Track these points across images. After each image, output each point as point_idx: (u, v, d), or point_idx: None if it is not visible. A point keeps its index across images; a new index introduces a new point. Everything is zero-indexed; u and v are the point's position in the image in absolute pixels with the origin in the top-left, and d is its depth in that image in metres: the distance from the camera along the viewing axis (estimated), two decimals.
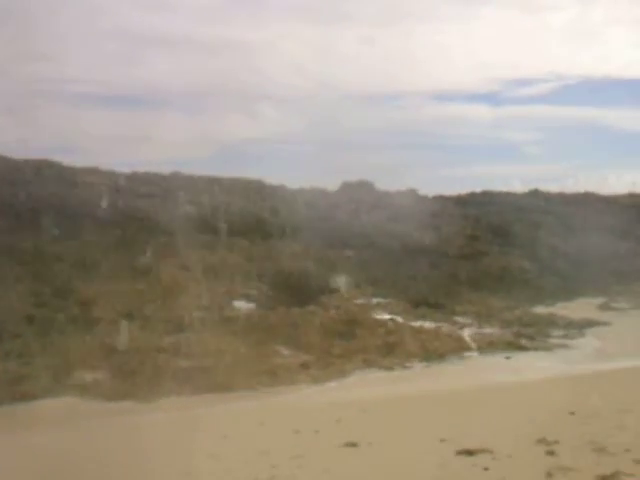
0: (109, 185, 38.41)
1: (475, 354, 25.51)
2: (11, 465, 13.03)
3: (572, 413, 16.00)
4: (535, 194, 53.93)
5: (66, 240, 31.72)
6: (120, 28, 78.64)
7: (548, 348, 26.45)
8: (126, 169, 42.50)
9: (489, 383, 20.66)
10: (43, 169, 38.08)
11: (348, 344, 24.96)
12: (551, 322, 30.88)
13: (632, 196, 53.69)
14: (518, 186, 57.52)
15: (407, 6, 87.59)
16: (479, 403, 17.82)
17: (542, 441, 13.61)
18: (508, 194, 53.21)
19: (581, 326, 30.11)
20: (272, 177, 47.04)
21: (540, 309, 34.15)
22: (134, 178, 41.29)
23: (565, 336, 28.44)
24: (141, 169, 43.07)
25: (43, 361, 20.97)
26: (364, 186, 48.71)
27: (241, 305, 29.45)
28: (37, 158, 39.35)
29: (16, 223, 32.18)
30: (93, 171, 39.77)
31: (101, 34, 78.96)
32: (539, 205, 49.97)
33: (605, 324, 30.72)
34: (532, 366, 23.40)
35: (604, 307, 35.23)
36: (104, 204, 35.71)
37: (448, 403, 18.03)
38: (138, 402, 18.53)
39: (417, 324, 28.90)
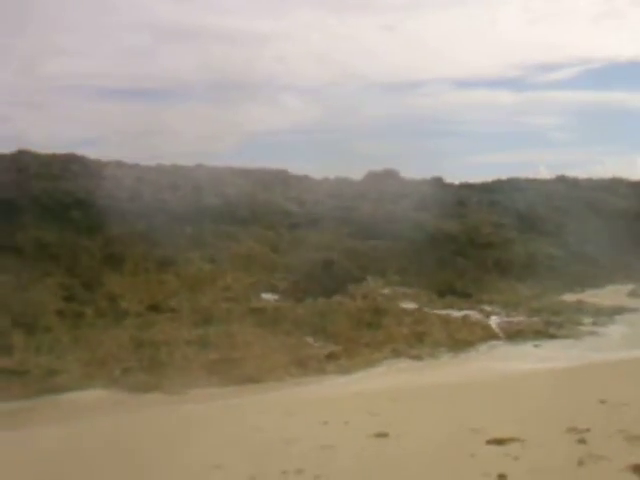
0: (135, 178, 38.65)
1: (503, 343, 25.33)
2: (45, 456, 13.18)
3: (602, 401, 15.80)
4: (562, 180, 53.49)
5: (93, 233, 31.98)
6: (142, 21, 79.22)
7: (577, 336, 26.21)
8: (151, 162, 42.77)
9: (518, 372, 20.51)
10: (69, 163, 38.41)
11: (376, 334, 24.92)
12: (580, 309, 30.62)
13: None
14: (544, 172, 57.09)
15: None
16: (508, 392, 17.70)
17: (572, 429, 13.47)
18: (534, 180, 52.85)
19: (610, 313, 29.81)
20: (296, 167, 47.19)
21: (568, 296, 33.87)
22: (159, 170, 41.52)
23: (594, 323, 28.17)
24: (166, 161, 43.33)
25: (73, 354, 21.19)
26: (389, 175, 48.61)
27: (268, 296, 29.52)
28: (63, 153, 39.74)
29: (44, 217, 32.55)
30: (118, 164, 40.04)
31: (123, 28, 79.54)
32: (566, 191, 49.54)
33: (635, 311, 30.36)
34: (561, 354, 23.16)
35: (634, 294, 34.81)
36: (130, 197, 35.94)
37: (477, 392, 17.92)
38: (167, 394, 18.63)
39: (444, 313, 28.79)
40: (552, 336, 25.99)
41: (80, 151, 40.40)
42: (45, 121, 70.49)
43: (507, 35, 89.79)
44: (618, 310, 30.31)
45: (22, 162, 37.18)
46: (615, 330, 27.23)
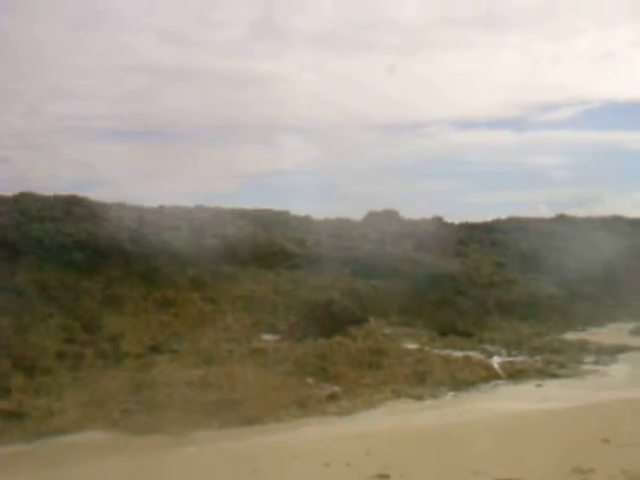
0: (136, 219, 38.79)
1: (505, 382, 25.17)
2: None
3: (606, 441, 15.74)
4: (562, 219, 53.65)
5: (94, 274, 32.03)
6: (143, 63, 79.99)
7: (580, 375, 26.07)
8: (152, 203, 42.96)
9: (520, 412, 20.36)
10: (71, 205, 38.56)
11: (377, 374, 24.78)
12: (582, 348, 30.48)
13: None
14: (544, 211, 57.30)
15: (429, 34, 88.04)
16: (511, 432, 17.59)
17: (576, 470, 13.41)
18: (534, 220, 53.00)
19: (613, 352, 29.68)
20: (297, 208, 47.34)
21: (570, 335, 33.77)
22: (160, 212, 41.68)
23: (597, 362, 28.04)
24: (167, 202, 43.50)
25: (73, 396, 21.05)
26: (389, 215, 48.75)
27: (269, 337, 29.44)
28: (65, 194, 39.91)
29: (45, 259, 32.64)
30: (120, 206, 40.20)
31: (124, 70, 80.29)
32: (566, 230, 49.62)
33: (637, 349, 30.23)
34: (563, 394, 23.00)
35: (636, 332, 34.68)
36: (131, 238, 36.03)
37: (479, 433, 17.83)
38: (167, 436, 18.45)
39: (445, 353, 28.66)
40: (554, 375, 25.83)
41: (82, 193, 40.52)
42: (47, 163, 70.96)
43: (507, 76, 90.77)
44: (620, 349, 30.18)
45: (23, 204, 37.33)
46: (617, 369, 27.10)
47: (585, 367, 27.32)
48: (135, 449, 17.54)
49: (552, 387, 24.28)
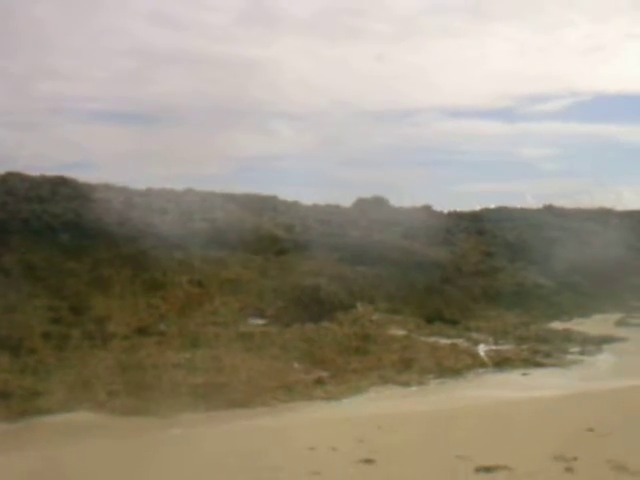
0: (123, 201, 38.60)
1: (491, 370, 25.29)
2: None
3: (590, 430, 15.81)
4: (550, 210, 53.79)
5: (81, 256, 31.88)
6: (133, 46, 79.50)
7: (565, 364, 26.21)
8: (141, 185, 42.69)
9: (506, 400, 20.46)
10: (58, 186, 38.29)
11: (363, 360, 24.87)
12: (567, 338, 30.63)
13: None
14: (532, 202, 57.41)
15: (420, 22, 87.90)
16: (496, 420, 17.66)
17: (560, 458, 13.44)
18: (523, 210, 53.10)
19: (598, 342, 29.83)
20: (286, 193, 47.19)
21: (556, 325, 33.95)
22: (148, 194, 41.46)
23: (582, 352, 28.20)
24: (155, 185, 43.25)
25: (58, 377, 21.02)
26: (378, 202, 48.73)
27: (256, 321, 29.44)
28: (52, 175, 39.61)
29: (32, 239, 32.44)
30: (107, 187, 39.97)
31: (114, 52, 79.74)
32: (554, 221, 49.79)
33: (622, 340, 30.44)
34: (549, 383, 23.15)
35: (621, 323, 34.96)
36: (118, 220, 35.85)
37: (464, 420, 17.86)
38: (154, 418, 18.45)
39: (432, 340, 28.77)
40: (540, 364, 25.97)
41: (69, 174, 40.22)
42: (35, 143, 70.44)
43: (498, 66, 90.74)
44: (606, 339, 30.34)
45: (10, 184, 37.05)
46: (603, 359, 27.27)
47: (570, 357, 27.48)
48: (121, 431, 17.53)
49: (538, 376, 24.43)
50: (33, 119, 75.67)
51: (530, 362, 26.22)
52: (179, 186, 44.21)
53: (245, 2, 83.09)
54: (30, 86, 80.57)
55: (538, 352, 27.62)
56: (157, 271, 32.08)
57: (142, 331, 26.22)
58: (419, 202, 51.36)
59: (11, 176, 38.08)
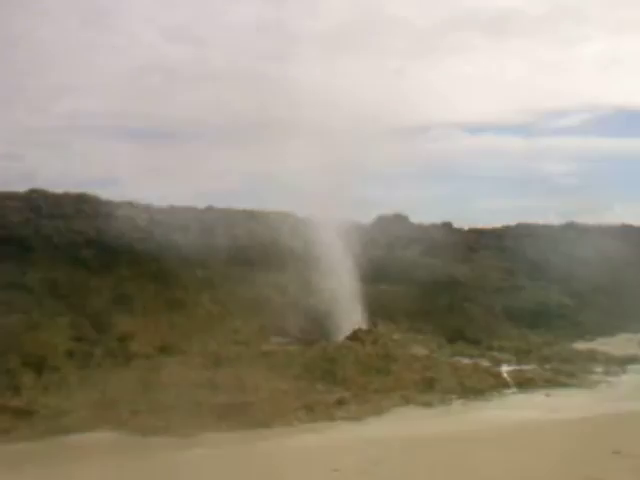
0: (146, 219, 38.76)
1: (514, 391, 25.08)
2: None
3: (617, 452, 15.63)
4: (572, 226, 53.36)
5: (104, 273, 32.01)
6: (155, 62, 79.87)
7: (589, 385, 25.96)
8: (163, 203, 42.87)
9: (530, 421, 20.28)
10: (82, 203, 38.54)
11: (385, 380, 24.73)
12: (591, 358, 30.32)
13: None
14: (553, 218, 56.97)
15: (438, 38, 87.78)
16: (521, 442, 17.51)
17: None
18: (544, 227, 52.71)
19: (622, 362, 29.52)
20: (306, 210, 47.05)
21: (580, 344, 33.65)
22: (170, 212, 41.61)
23: (606, 373, 27.91)
24: (177, 203, 43.39)
25: (81, 395, 21.10)
26: (398, 219, 48.57)
27: (277, 340, 29.39)
28: (75, 192, 39.85)
29: (55, 256, 32.64)
30: (130, 205, 40.17)
31: (137, 69, 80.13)
32: (576, 238, 49.36)
33: None
34: (573, 404, 22.89)
35: None
36: (141, 238, 35.97)
37: (487, 442, 17.74)
38: (175, 437, 18.46)
39: (454, 359, 28.60)
40: (563, 385, 25.72)
41: (93, 190, 40.47)
42: (58, 160, 70.91)
43: (516, 81, 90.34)
44: (630, 359, 30.02)
45: (34, 201, 37.34)
46: (627, 380, 26.98)
47: (594, 377, 27.21)
48: (143, 450, 17.56)
49: (561, 397, 24.19)
50: (55, 137, 76.25)
51: (553, 382, 25.98)
52: (201, 203, 44.37)
53: (264, 17, 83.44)
54: (52, 104, 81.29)
55: (561, 372, 27.36)
56: (179, 289, 32.13)
57: (164, 350, 26.24)
58: (439, 219, 51.20)
59: (35, 193, 38.38)
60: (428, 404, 22.76)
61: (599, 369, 28.47)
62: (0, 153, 64.43)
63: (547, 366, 28.52)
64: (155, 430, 19.06)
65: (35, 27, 74.79)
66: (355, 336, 29.75)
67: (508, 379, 26.33)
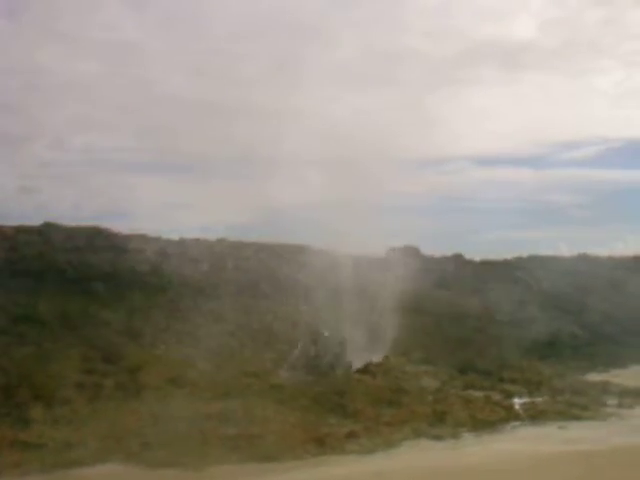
0: (157, 251, 38.97)
1: (526, 423, 24.85)
2: None
3: None
4: (584, 258, 53.30)
5: (115, 305, 32.17)
6: (167, 96, 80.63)
7: (602, 417, 25.71)
8: (174, 235, 43.10)
9: (542, 454, 20.07)
10: (94, 236, 38.83)
11: (396, 412, 24.58)
12: (604, 390, 30.07)
13: None
14: (565, 250, 56.96)
15: (451, 71, 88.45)
16: (533, 474, 17.38)
17: None
18: (555, 258, 52.71)
19: (636, 394, 29.24)
20: (318, 242, 47.16)
21: (592, 376, 33.39)
22: (181, 244, 41.83)
23: (620, 405, 27.65)
24: (188, 235, 43.62)
25: (91, 428, 21.08)
26: (410, 251, 48.59)
27: (287, 372, 29.30)
28: (88, 225, 40.20)
29: (67, 289, 32.84)
30: (142, 238, 40.42)
31: (149, 103, 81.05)
32: (588, 269, 49.27)
33: None
34: (586, 436, 22.65)
35: None
36: (152, 270, 36.19)
37: (501, 474, 17.60)
38: (186, 470, 18.40)
39: (465, 392, 28.40)
40: (576, 417, 25.48)
41: (106, 222, 40.84)
42: (71, 193, 71.57)
43: (528, 113, 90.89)
44: None
45: (47, 235, 37.66)
46: None
47: (608, 409, 26.94)
48: None
49: (574, 429, 23.94)
50: (69, 170, 76.98)
51: (566, 415, 25.75)
52: (212, 235, 44.56)
53: (276, 51, 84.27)
54: (66, 138, 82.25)
55: (574, 405, 27.11)
56: (189, 321, 32.18)
57: (174, 381, 26.17)
58: (450, 251, 51.24)
59: (48, 227, 38.72)
60: (439, 437, 22.58)
61: (612, 401, 28.21)
62: (16, 186, 65.23)
63: (559, 398, 28.28)
64: (165, 463, 19.00)
65: (53, 61, 76.01)
66: (366, 368, 29.64)
67: (520, 411, 26.13)
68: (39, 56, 75.69)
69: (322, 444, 20.91)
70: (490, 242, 72.98)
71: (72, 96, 78.16)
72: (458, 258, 50.21)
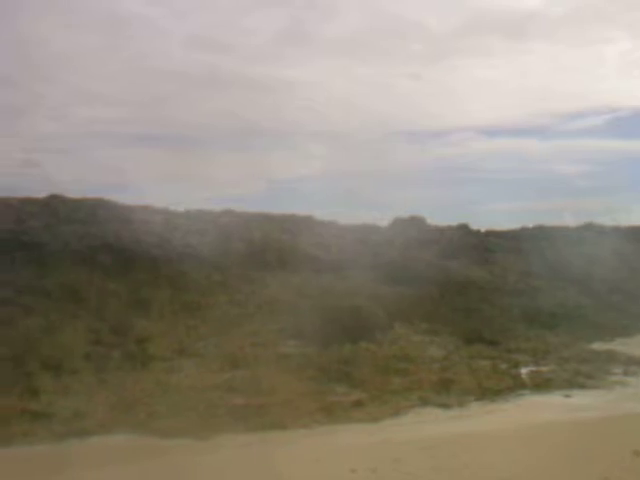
0: (162, 223, 39.00)
1: (532, 392, 24.91)
2: None
3: (636, 452, 15.51)
4: (589, 227, 53.19)
5: (121, 277, 32.23)
6: (170, 68, 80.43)
7: (608, 386, 25.73)
8: (179, 207, 43.14)
9: (548, 422, 20.14)
10: (98, 208, 38.86)
11: (403, 381, 24.68)
12: (610, 359, 30.09)
13: None
14: (570, 220, 56.82)
15: (454, 41, 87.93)
16: (539, 442, 17.39)
17: None
18: (561, 228, 52.58)
19: None
20: (322, 213, 47.27)
21: (598, 345, 33.41)
22: (187, 216, 41.87)
23: (625, 373, 27.68)
24: (194, 207, 43.67)
25: (99, 398, 21.19)
26: (415, 221, 48.59)
27: (294, 342, 29.38)
28: (92, 197, 40.23)
29: (73, 261, 32.88)
30: (147, 209, 40.44)
31: (152, 75, 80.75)
32: (594, 239, 49.16)
33: None
34: (592, 404, 22.73)
35: None
36: (158, 242, 36.21)
37: (506, 442, 17.65)
38: (193, 439, 18.49)
39: (472, 361, 28.47)
40: (582, 386, 25.52)
41: (109, 196, 40.81)
42: (75, 166, 71.57)
43: (533, 83, 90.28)
44: None
45: (53, 207, 37.70)
46: None
47: (614, 378, 26.98)
48: (161, 452, 17.58)
49: (580, 398, 23.99)
50: (72, 143, 76.97)
51: (572, 383, 25.79)
52: (217, 207, 44.64)
53: (280, 23, 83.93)
54: (69, 110, 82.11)
55: (580, 373, 27.14)
56: (196, 292, 32.29)
57: (181, 352, 26.36)
58: (456, 221, 51.17)
59: (53, 199, 38.77)
60: (446, 405, 22.64)
61: (618, 370, 28.23)
62: (20, 160, 65.26)
63: (566, 367, 28.32)
64: (173, 432, 19.06)
65: (53, 35, 75.63)
66: (372, 337, 29.70)
67: (526, 380, 26.19)
68: (37, 28, 75.24)
69: (329, 413, 20.99)
70: (496, 212, 72.99)
71: (72, 69, 77.97)
72: (463, 228, 50.12)
